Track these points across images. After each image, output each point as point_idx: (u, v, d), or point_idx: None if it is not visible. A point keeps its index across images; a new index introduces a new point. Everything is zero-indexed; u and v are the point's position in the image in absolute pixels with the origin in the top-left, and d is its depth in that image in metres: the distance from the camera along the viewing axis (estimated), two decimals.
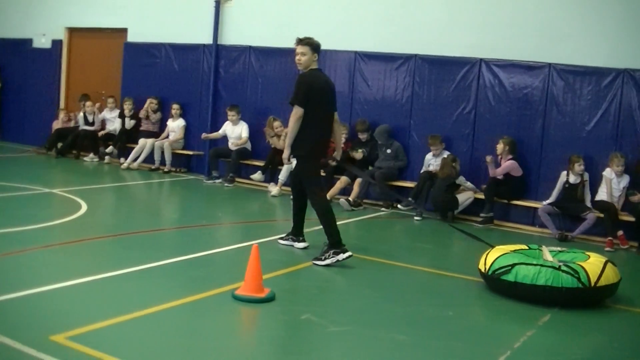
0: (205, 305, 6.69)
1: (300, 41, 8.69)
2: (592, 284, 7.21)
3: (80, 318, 6.03)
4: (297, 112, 8.36)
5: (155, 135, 15.83)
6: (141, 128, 16.03)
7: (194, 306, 6.63)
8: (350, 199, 12.55)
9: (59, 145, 16.62)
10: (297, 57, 8.68)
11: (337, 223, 8.62)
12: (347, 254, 8.38)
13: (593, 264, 7.50)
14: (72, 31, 18.03)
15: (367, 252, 9.26)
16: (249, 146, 14.67)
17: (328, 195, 12.42)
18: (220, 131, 14.82)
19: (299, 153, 8.61)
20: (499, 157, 12.09)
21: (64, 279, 7.13)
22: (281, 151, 13.68)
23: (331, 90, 8.77)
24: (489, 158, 12.03)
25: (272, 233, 9.99)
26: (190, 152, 15.63)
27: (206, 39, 15.57)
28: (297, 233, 9.21)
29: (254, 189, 14.07)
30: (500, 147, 12.01)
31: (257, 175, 14.13)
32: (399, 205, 12.47)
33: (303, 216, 9.14)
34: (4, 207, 10.79)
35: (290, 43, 14.31)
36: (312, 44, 8.61)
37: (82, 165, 15.86)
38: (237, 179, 14.47)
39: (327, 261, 8.33)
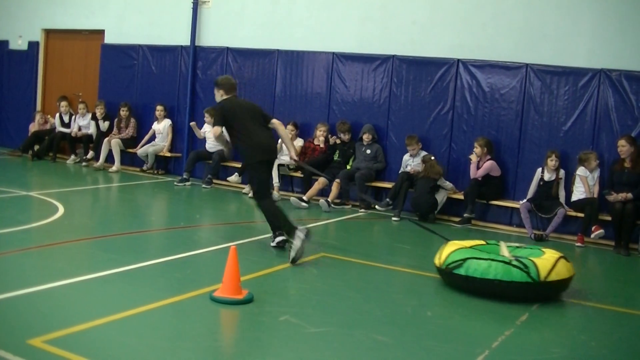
0: (184, 307, 6.67)
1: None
2: (542, 279, 7.38)
3: (59, 321, 5.99)
4: (215, 130, 9.29)
5: (133, 140, 15.77)
6: (113, 133, 15.91)
7: (174, 308, 6.61)
8: (329, 199, 12.56)
9: (36, 147, 16.52)
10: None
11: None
12: (304, 232, 8.60)
13: (545, 259, 7.67)
14: (49, 32, 17.93)
15: (346, 253, 9.29)
16: None
17: (307, 197, 12.47)
18: (202, 132, 14.78)
19: (246, 162, 9.61)
20: (478, 158, 12.13)
21: (42, 282, 7.08)
22: None
23: (250, 108, 9.56)
24: (473, 156, 12.09)
25: (250, 235, 10.00)
26: (169, 154, 15.58)
27: (184, 40, 15.54)
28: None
29: (231, 191, 14.04)
30: (478, 149, 12.06)
31: (234, 177, 14.10)
32: (376, 206, 12.49)
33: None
34: None
35: (268, 44, 14.48)
36: (215, 84, 9.73)
37: (59, 167, 15.77)
38: (215, 181, 14.44)
39: (278, 239, 9.12)
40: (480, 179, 12.03)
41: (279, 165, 13.50)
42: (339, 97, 13.79)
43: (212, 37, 15.37)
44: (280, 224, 9.03)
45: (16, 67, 18.32)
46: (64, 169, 15.60)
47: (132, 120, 15.90)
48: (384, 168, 13.22)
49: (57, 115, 16.86)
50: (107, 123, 16.05)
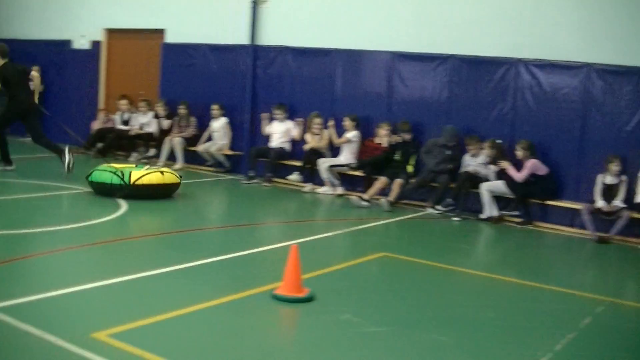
0: (244, 305, 6.72)
1: None
2: (131, 182, 11.40)
3: (122, 316, 6.09)
4: None
5: (195, 138, 15.91)
6: (174, 132, 16.07)
7: (234, 305, 6.67)
8: (390, 199, 12.48)
9: (99, 145, 16.75)
10: None
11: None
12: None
13: (147, 171, 11.77)
14: (111, 32, 18.18)
15: (407, 253, 9.27)
16: (288, 147, 14.64)
17: (367, 196, 12.42)
18: (266, 130, 14.79)
19: None
20: (521, 161, 11.98)
21: (106, 277, 7.21)
22: (318, 151, 13.84)
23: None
24: (505, 163, 11.97)
25: (311, 233, 10.02)
26: (230, 152, 15.66)
27: (243, 39, 15.62)
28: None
29: (292, 189, 14.08)
30: (520, 153, 11.95)
31: (294, 176, 14.15)
32: (438, 207, 12.40)
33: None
34: (46, 206, 10.94)
35: (327, 43, 14.49)
36: None
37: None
38: (275, 179, 14.49)
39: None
40: (525, 179, 11.88)
41: (338, 166, 13.52)
42: (399, 96, 13.74)
43: (271, 35, 15.42)
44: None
45: (79, 66, 18.62)
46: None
47: (193, 118, 16.03)
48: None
49: (118, 113, 17.08)
50: (168, 121, 16.20)
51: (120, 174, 11.51)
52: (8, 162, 13.62)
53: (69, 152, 13.23)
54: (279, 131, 14.55)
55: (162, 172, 11.93)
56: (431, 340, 6.02)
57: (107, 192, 11.50)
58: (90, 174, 11.83)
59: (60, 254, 8.17)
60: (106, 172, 11.66)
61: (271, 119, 14.77)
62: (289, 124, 14.58)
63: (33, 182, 12.53)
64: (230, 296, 6.86)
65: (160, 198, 11.73)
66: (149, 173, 11.71)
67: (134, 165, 12.58)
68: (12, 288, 6.77)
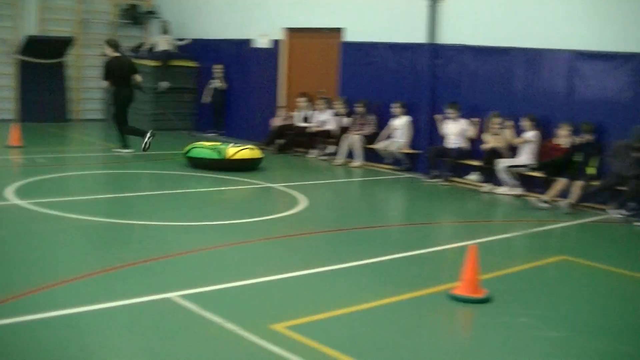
0: (421, 303, 6.79)
1: None
2: (228, 157, 13.78)
3: (299, 309, 6.29)
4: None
5: (373, 136, 16.01)
6: (353, 129, 16.23)
7: (410, 303, 6.74)
8: (571, 201, 12.16)
9: (279, 141, 17.17)
10: None
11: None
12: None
13: (239, 148, 14.16)
14: (291, 31, 18.58)
15: (587, 257, 9.02)
16: (466, 146, 14.51)
17: (547, 197, 12.15)
18: (442, 130, 14.73)
19: None
20: None
21: (284, 270, 7.47)
22: (497, 151, 13.66)
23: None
24: None
25: (489, 233, 9.94)
26: (409, 151, 15.68)
27: (422, 37, 15.60)
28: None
29: (470, 189, 13.94)
30: None
31: (474, 176, 14.03)
32: (621, 210, 11.96)
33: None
34: (229, 200, 11.40)
35: (506, 42, 14.28)
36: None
37: (300, 161, 16.32)
38: (453, 179, 14.40)
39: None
40: None
41: (517, 166, 13.31)
42: (579, 96, 13.34)
43: (450, 34, 15.30)
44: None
45: (260, 64, 19.16)
46: (305, 163, 16.13)
47: (371, 116, 16.15)
48: None
49: (298, 111, 17.45)
50: (347, 119, 16.40)
51: (218, 150, 13.87)
52: (125, 145, 15.58)
53: (149, 136, 15.03)
54: (454, 131, 14.45)
55: (251, 149, 14.34)
56: (611, 349, 5.89)
57: (204, 166, 13.74)
58: (188, 151, 14.11)
59: (241, 246, 8.51)
60: (205, 149, 14.03)
61: (444, 119, 14.70)
62: (463, 124, 14.46)
63: (216, 177, 13.07)
64: (407, 294, 6.94)
65: (250, 170, 13.92)
66: (242, 149, 14.07)
67: (220, 144, 14.57)
68: (195, 277, 7.14)
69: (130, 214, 10.16)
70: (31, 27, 20.33)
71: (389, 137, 15.78)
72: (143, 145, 14.96)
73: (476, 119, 14.33)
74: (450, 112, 14.52)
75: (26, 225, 9.12)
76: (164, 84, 19.90)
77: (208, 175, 13.20)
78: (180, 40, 20.69)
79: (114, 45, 15.67)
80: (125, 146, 15.45)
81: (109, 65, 15.46)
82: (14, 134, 15.36)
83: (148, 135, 15.00)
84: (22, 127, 16.04)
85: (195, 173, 13.38)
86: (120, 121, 15.56)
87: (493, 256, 8.63)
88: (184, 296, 6.43)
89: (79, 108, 21.73)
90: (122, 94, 15.56)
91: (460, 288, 6.82)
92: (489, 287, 6.98)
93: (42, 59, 20.08)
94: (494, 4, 14.59)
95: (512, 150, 13.76)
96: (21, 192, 10.72)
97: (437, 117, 14.76)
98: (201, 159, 13.84)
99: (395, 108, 15.57)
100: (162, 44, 20.25)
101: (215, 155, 13.76)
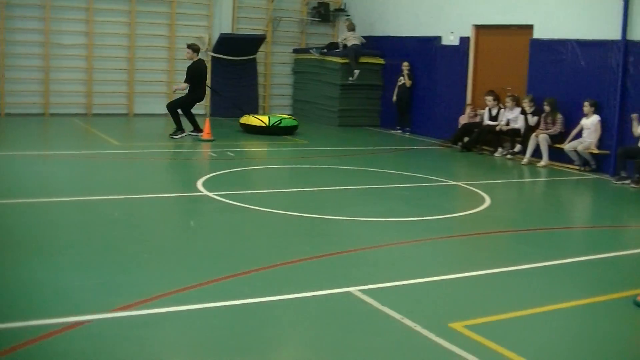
0: (604, 309, 6.61)
1: None
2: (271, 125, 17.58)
3: (478, 308, 6.30)
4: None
5: (561, 135, 15.64)
6: (540, 128, 15.91)
7: (593, 308, 6.59)
8: None
9: (465, 139, 17.08)
10: None
11: None
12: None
13: (280, 118, 18.20)
14: (479, 28, 18.41)
15: None
16: None
17: None
18: (636, 130, 14.16)
19: None
20: None
21: (464, 269, 7.48)
22: None
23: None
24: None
25: None
26: (596, 151, 15.23)
27: (614, 34, 15.09)
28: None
29: None
30: None
31: None
32: None
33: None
34: (412, 196, 11.46)
35: None
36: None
37: (485, 160, 16.15)
38: None
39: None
40: None
41: None
42: None
43: None
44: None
45: (448, 61, 19.09)
46: (490, 162, 15.94)
47: (559, 115, 15.78)
48: None
49: (486, 108, 17.28)
50: (535, 118, 16.09)
51: (262, 120, 17.73)
52: (198, 129, 16.71)
53: (184, 133, 16.53)
54: None
55: (290, 118, 18.53)
56: None
57: (251, 130, 17.70)
58: (277, 121, 17.71)
59: (424, 243, 8.55)
60: (253, 117, 17.98)
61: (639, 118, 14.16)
62: None
63: (400, 173, 13.16)
64: (590, 299, 6.79)
65: (289, 134, 17.66)
66: (283, 119, 18.09)
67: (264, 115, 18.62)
68: (377, 272, 7.27)
69: (314, 208, 10.34)
70: (225, 25, 21.24)
71: (577, 136, 15.36)
72: (173, 134, 16.42)
73: None
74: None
75: (215, 216, 9.63)
76: (356, 72, 20.16)
77: (393, 172, 13.30)
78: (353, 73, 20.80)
79: (196, 49, 16.87)
80: (179, 130, 16.57)
81: (193, 69, 16.61)
82: (205, 129, 16.27)
83: (182, 134, 16.43)
84: (211, 121, 16.98)
85: (379, 170, 13.50)
86: (174, 109, 16.70)
87: None
88: (364, 291, 6.55)
89: (269, 103, 22.49)
90: (195, 94, 16.78)
91: None
92: None
93: (235, 56, 20.96)
94: None
95: None
96: (210, 184, 11.27)
97: (634, 115, 14.20)
98: (250, 125, 17.79)
99: (586, 107, 15.13)
100: (351, 40, 20.53)
101: (260, 123, 17.69)
